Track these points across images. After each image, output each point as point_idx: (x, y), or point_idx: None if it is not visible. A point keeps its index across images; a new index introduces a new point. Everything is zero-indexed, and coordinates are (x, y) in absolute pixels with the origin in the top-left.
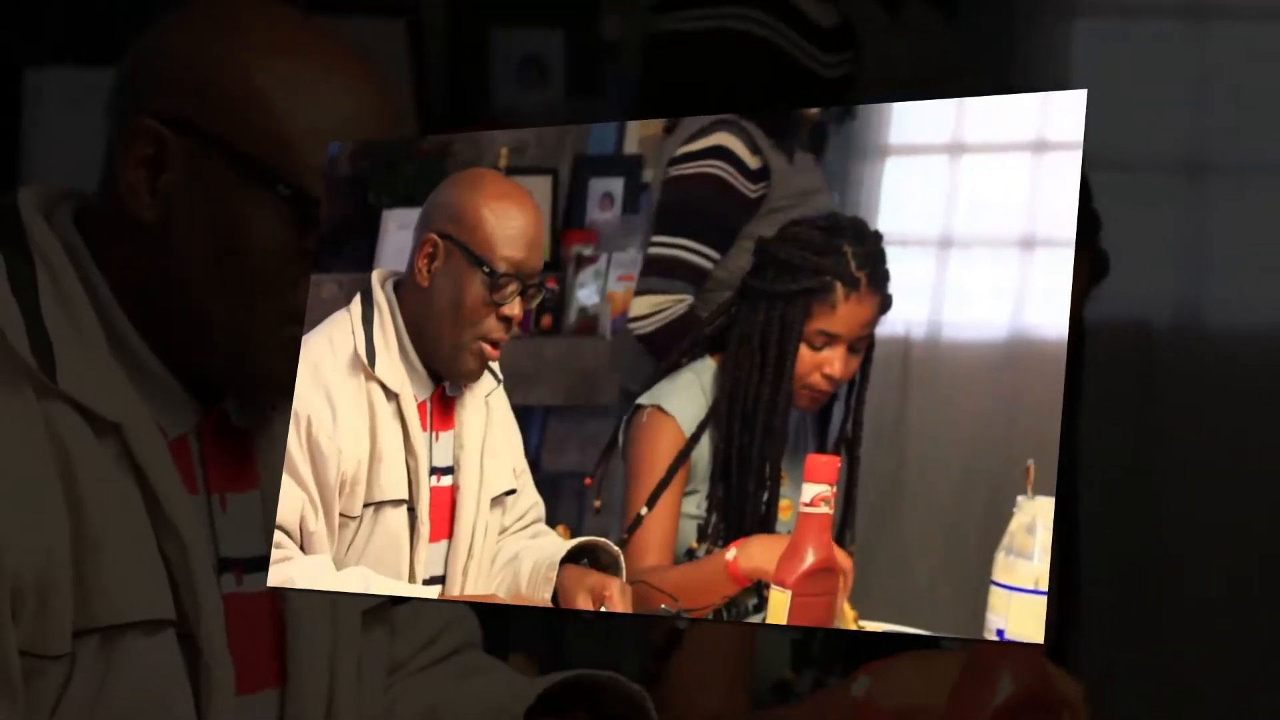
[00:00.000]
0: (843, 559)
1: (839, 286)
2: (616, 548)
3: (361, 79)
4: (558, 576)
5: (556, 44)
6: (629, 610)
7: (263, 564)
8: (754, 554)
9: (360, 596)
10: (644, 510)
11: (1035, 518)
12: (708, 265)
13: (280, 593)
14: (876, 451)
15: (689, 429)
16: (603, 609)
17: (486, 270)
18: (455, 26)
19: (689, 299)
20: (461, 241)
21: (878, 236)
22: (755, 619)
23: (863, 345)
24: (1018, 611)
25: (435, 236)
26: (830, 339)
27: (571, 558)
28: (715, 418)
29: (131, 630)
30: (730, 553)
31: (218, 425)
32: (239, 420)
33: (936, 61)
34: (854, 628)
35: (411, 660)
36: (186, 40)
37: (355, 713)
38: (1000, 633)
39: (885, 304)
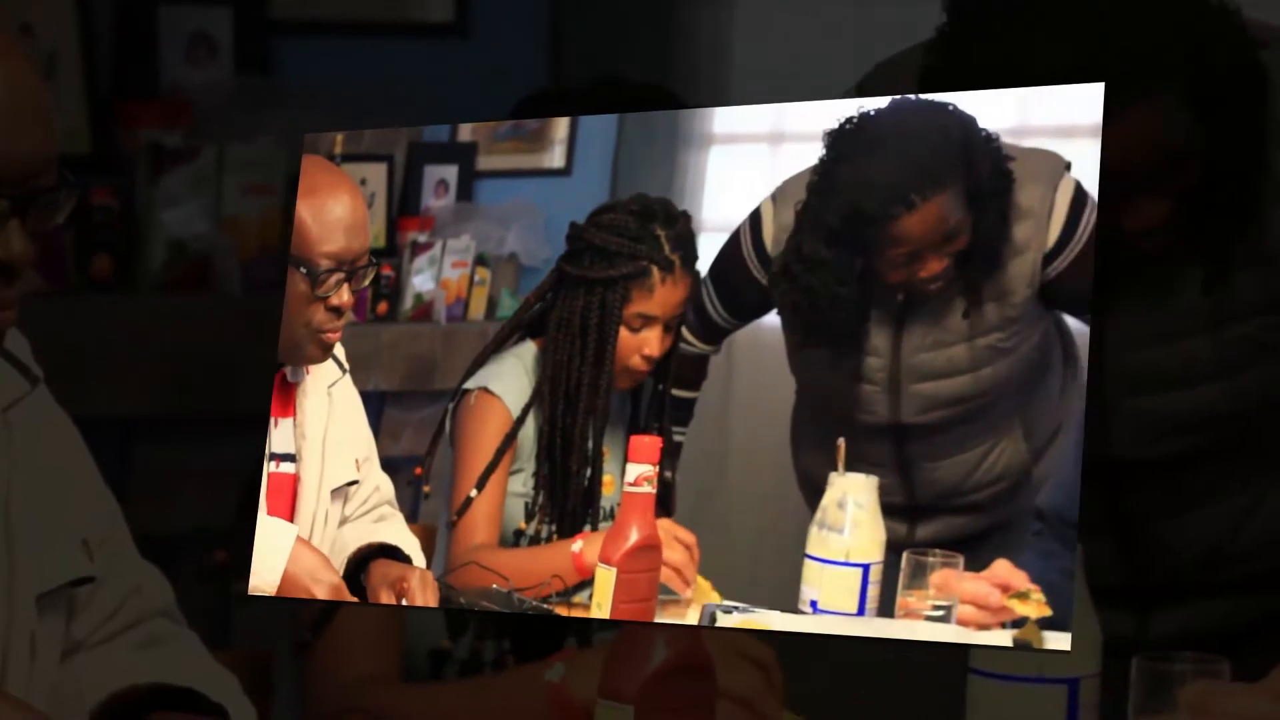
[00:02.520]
0: (685, 535)
1: (655, 270)
2: (407, 553)
3: None
4: (366, 575)
5: (226, 21)
6: (430, 601)
7: None
8: (599, 547)
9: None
10: (474, 493)
11: (846, 493)
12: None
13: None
14: (700, 431)
15: (516, 409)
16: (403, 601)
17: (304, 271)
18: (124, 2)
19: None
20: None
21: (686, 218)
22: (580, 596)
23: (676, 324)
24: (830, 583)
25: None
26: (648, 320)
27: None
28: (539, 399)
29: None
30: (576, 545)
31: None
32: None
33: None
34: (714, 597)
35: (91, 637)
36: None
37: (25, 695)
38: (814, 604)
39: (696, 285)
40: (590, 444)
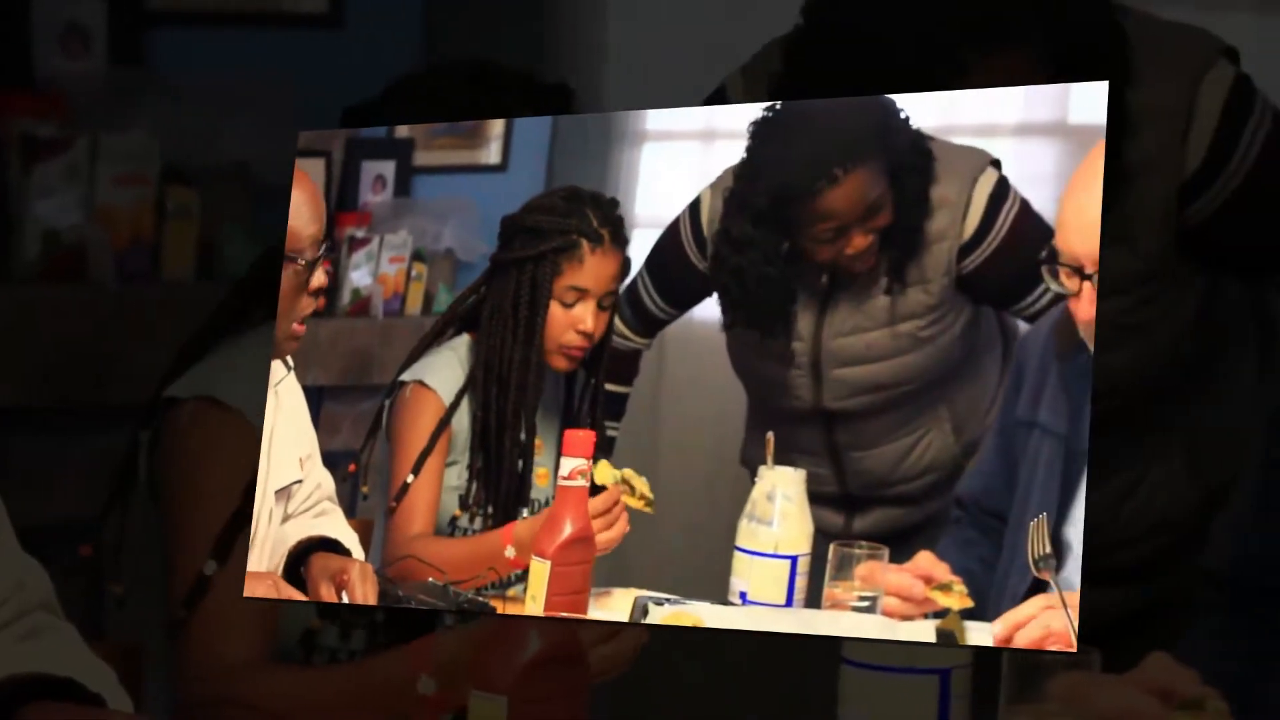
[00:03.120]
0: (598, 503)
1: (584, 242)
2: (347, 546)
3: None
4: (305, 568)
5: (99, 12)
6: (370, 596)
7: None
8: (529, 546)
9: None
10: (410, 478)
11: (775, 486)
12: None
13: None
14: (633, 426)
15: (449, 400)
16: (343, 594)
17: (304, 262)
18: None
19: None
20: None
21: (615, 203)
22: (515, 590)
23: (610, 301)
24: (759, 575)
25: None
26: (581, 294)
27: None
28: (473, 385)
29: None
30: (509, 551)
31: None
32: None
33: None
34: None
35: None
36: None
37: None
38: (743, 595)
39: (626, 264)
40: (524, 428)
